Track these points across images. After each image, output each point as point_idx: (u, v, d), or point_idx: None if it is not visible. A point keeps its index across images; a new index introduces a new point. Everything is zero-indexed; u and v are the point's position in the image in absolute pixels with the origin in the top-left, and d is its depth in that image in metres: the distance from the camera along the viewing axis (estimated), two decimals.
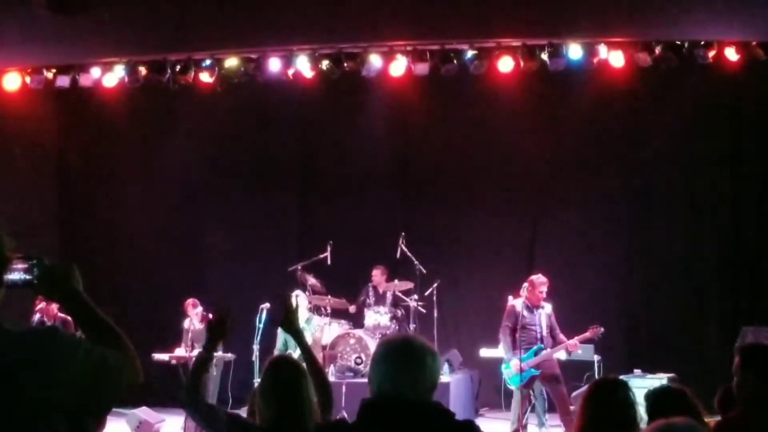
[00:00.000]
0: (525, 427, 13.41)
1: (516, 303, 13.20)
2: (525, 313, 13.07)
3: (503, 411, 14.89)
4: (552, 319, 13.17)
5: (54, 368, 2.84)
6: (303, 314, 13.91)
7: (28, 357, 2.83)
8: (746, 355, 5.58)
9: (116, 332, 3.12)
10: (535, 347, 12.93)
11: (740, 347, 6.04)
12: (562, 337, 13.08)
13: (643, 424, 5.25)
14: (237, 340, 14.30)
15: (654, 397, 5.64)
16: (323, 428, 4.02)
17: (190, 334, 14.92)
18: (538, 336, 13.01)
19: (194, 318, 15.04)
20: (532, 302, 13.11)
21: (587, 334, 12.95)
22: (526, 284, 13.26)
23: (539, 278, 13.23)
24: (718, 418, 6.07)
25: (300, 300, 14.05)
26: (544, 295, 13.18)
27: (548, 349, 12.93)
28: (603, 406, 5.35)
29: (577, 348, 13.12)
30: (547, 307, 13.21)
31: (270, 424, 5.36)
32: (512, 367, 12.94)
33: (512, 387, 13.22)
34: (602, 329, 12.94)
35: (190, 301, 15.23)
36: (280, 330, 13.87)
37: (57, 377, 2.84)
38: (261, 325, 14.30)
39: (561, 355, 13.28)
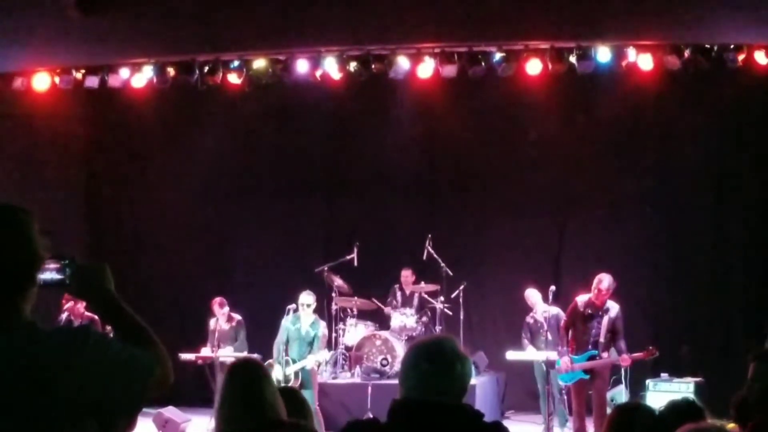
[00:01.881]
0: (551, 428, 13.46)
1: (579, 300, 12.69)
2: (586, 313, 12.61)
3: (529, 413, 14.89)
4: (617, 324, 12.54)
5: (86, 367, 2.85)
6: (308, 317, 13.84)
7: (61, 356, 2.85)
8: None
9: (148, 332, 3.13)
10: (588, 353, 12.51)
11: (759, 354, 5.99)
12: (621, 344, 12.56)
13: None
14: (263, 340, 14.35)
15: (671, 409, 5.63)
16: (355, 424, 4.01)
17: (216, 335, 14.92)
18: (591, 341, 12.51)
19: (221, 318, 15.02)
20: (595, 303, 12.55)
21: (640, 355, 12.57)
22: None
23: (599, 278, 12.57)
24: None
25: (306, 306, 13.95)
26: (605, 294, 12.46)
27: (602, 358, 12.54)
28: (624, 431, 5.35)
29: (628, 364, 12.83)
30: (613, 310, 12.56)
31: (230, 427, 5.37)
32: (562, 365, 12.66)
33: (561, 383, 13.18)
34: (657, 353, 12.64)
35: (217, 300, 15.14)
36: (282, 325, 13.90)
37: (89, 376, 2.85)
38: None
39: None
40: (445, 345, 3.87)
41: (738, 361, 15.74)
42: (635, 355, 12.59)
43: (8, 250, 2.96)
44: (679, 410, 5.54)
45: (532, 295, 14.63)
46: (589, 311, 12.60)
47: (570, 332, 12.82)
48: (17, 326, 2.92)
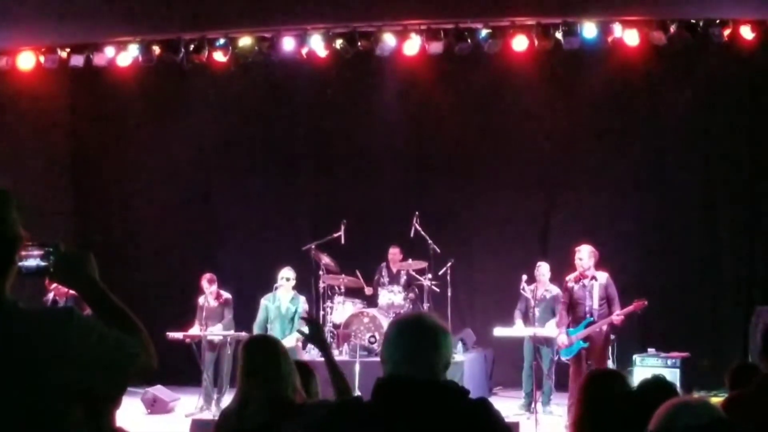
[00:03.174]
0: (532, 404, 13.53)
1: (568, 278, 13.17)
2: (575, 287, 13.02)
3: (517, 390, 14.95)
4: (609, 291, 12.94)
5: (69, 349, 2.86)
6: (287, 293, 13.88)
7: (44, 337, 2.85)
8: None
9: (132, 319, 3.13)
10: (585, 321, 12.85)
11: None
12: (616, 309, 12.93)
13: None
14: (250, 318, 14.36)
15: (643, 388, 5.66)
16: (340, 405, 4.01)
17: (204, 312, 14.86)
18: (587, 310, 12.87)
19: (209, 295, 14.98)
20: (581, 274, 12.98)
21: (630, 308, 12.84)
22: None
23: (578, 249, 13.09)
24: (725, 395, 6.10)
25: (286, 280, 13.99)
26: (585, 264, 12.92)
27: (596, 323, 12.88)
28: (599, 399, 5.38)
29: (621, 322, 13.00)
30: (602, 278, 12.96)
31: (248, 398, 5.55)
32: (564, 341, 13.00)
33: (563, 358, 13.34)
34: (646, 302, 12.86)
35: (206, 276, 15.03)
36: (261, 305, 13.93)
37: (72, 358, 2.86)
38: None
39: None
40: (426, 321, 3.85)
41: (724, 337, 15.89)
42: (626, 309, 12.86)
43: None
44: (651, 388, 5.56)
45: (546, 271, 14.62)
46: (579, 284, 12.98)
47: (565, 311, 13.19)
48: None
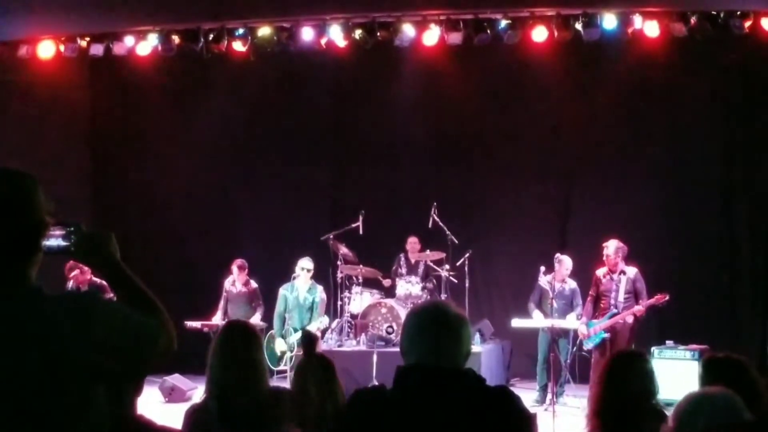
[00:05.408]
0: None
1: (598, 272, 13.62)
2: (603, 280, 13.51)
3: (535, 381, 14.92)
4: (637, 285, 13.44)
5: (93, 332, 2.87)
6: (305, 283, 13.81)
7: (69, 320, 2.87)
8: None
9: (153, 300, 3.14)
10: (609, 313, 13.32)
11: None
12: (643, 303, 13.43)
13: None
14: (269, 308, 14.38)
15: (710, 365, 5.64)
16: (363, 392, 3.97)
17: (229, 296, 14.86)
18: (612, 302, 13.36)
19: (238, 279, 15.01)
20: (609, 268, 13.48)
21: (651, 301, 13.28)
22: None
23: (606, 245, 13.56)
24: None
25: (306, 271, 13.95)
26: (614, 259, 13.40)
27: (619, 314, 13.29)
28: (620, 379, 5.41)
29: (642, 314, 13.41)
30: (630, 272, 13.47)
31: (223, 389, 5.45)
32: (583, 332, 13.54)
33: (586, 347, 13.72)
34: (668, 297, 13.27)
35: (238, 261, 15.23)
36: (280, 294, 13.90)
37: (95, 340, 2.87)
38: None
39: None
40: (448, 310, 3.84)
41: (744, 329, 15.81)
42: (647, 302, 13.29)
43: (13, 216, 2.98)
44: (717, 365, 5.56)
45: (569, 265, 14.56)
46: (607, 278, 13.49)
47: (591, 303, 13.65)
48: (23, 292, 2.94)
